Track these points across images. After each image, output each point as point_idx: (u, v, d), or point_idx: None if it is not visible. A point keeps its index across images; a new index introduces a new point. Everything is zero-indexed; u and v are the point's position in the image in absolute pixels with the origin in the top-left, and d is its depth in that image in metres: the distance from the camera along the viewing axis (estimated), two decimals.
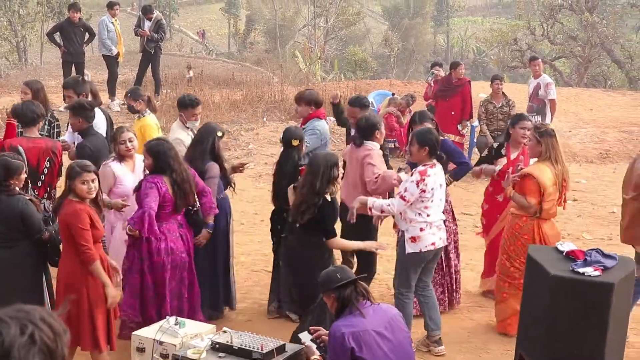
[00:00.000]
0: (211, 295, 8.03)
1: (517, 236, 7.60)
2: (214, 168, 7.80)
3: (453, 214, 8.59)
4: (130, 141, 7.70)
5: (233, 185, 8.27)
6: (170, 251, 7.13)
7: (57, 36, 16.91)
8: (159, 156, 7.09)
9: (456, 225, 8.63)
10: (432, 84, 15.40)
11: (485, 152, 9.11)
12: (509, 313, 7.85)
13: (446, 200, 8.43)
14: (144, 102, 9.40)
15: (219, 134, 7.89)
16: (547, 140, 7.44)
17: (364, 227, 7.60)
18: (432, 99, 15.03)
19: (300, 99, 8.83)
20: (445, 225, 8.27)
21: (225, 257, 8.19)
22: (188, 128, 8.65)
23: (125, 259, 7.17)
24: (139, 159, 7.70)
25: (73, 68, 16.52)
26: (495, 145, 8.88)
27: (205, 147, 7.79)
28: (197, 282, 7.45)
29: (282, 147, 8.11)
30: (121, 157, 7.69)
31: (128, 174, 7.64)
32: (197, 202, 7.42)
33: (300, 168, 7.86)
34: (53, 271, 6.89)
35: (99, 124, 8.74)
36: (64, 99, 9.30)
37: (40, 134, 8.27)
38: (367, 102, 9.01)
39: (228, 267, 8.24)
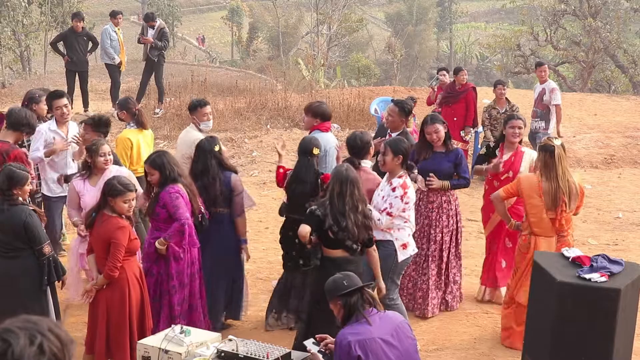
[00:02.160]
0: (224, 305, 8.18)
1: (521, 253, 7.64)
2: (239, 184, 7.96)
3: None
4: (108, 154, 7.78)
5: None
6: (193, 261, 7.30)
7: (60, 45, 16.96)
8: (164, 167, 7.13)
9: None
10: (436, 89, 15.38)
11: (483, 149, 9.22)
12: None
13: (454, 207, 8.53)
14: (128, 113, 9.34)
15: (216, 148, 7.89)
16: (540, 155, 7.42)
17: None
18: (435, 103, 15.01)
19: (307, 110, 8.84)
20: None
21: (237, 270, 8.26)
22: (202, 131, 8.74)
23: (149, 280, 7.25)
24: (107, 173, 7.71)
25: (77, 77, 16.58)
26: (492, 144, 9.00)
27: (214, 168, 7.81)
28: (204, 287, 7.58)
29: (300, 156, 7.98)
30: (93, 171, 7.72)
31: (91, 190, 7.67)
32: (202, 207, 7.47)
33: (321, 176, 7.92)
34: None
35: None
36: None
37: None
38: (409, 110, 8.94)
39: (242, 280, 8.35)
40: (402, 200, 7.27)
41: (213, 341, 6.10)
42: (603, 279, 5.91)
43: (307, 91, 22.29)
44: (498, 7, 59.35)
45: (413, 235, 7.75)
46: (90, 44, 16.71)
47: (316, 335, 5.76)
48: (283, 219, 8.18)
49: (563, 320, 5.92)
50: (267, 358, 5.59)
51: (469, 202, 12.69)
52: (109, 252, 6.44)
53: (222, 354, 5.75)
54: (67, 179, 8.69)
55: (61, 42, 16.94)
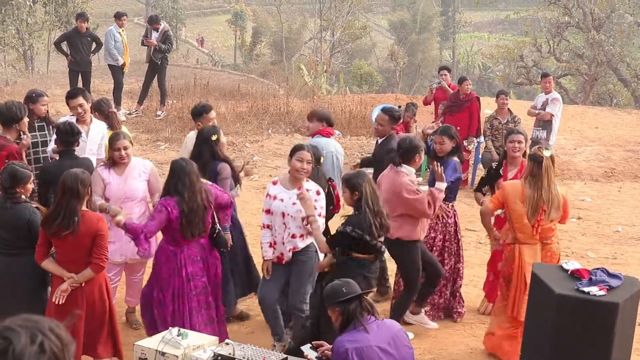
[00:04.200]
0: (238, 285, 8.29)
1: (507, 262, 7.69)
2: (225, 169, 7.86)
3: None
4: (125, 149, 7.66)
5: (240, 185, 8.22)
6: (191, 277, 7.06)
7: (64, 45, 16.96)
8: (172, 175, 6.99)
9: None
10: (434, 91, 15.48)
11: (485, 173, 9.22)
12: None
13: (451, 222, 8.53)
14: (101, 115, 9.19)
15: (213, 138, 7.88)
16: (529, 163, 7.47)
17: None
18: (440, 109, 15.12)
19: (312, 115, 8.88)
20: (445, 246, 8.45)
21: (243, 250, 8.32)
22: None
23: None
24: (133, 164, 7.74)
25: (80, 77, 16.58)
26: (495, 165, 8.95)
27: (206, 156, 7.81)
28: (221, 302, 7.43)
29: None
30: (113, 163, 7.69)
31: (116, 178, 7.65)
32: (218, 226, 7.25)
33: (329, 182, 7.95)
34: None
35: (95, 135, 8.73)
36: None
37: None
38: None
39: (249, 258, 8.44)
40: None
41: (210, 344, 6.09)
42: (602, 292, 5.91)
43: (309, 97, 22.34)
44: (502, 18, 59.44)
45: None
46: (94, 45, 16.72)
47: (313, 342, 5.77)
48: None
49: (561, 333, 5.91)
50: None
51: (468, 212, 12.69)
52: (92, 246, 6.35)
53: (219, 358, 5.74)
54: None
55: (65, 42, 16.96)
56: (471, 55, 60.76)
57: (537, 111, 14.30)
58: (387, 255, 7.67)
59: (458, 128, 14.07)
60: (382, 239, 6.89)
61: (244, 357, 5.66)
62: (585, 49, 31.73)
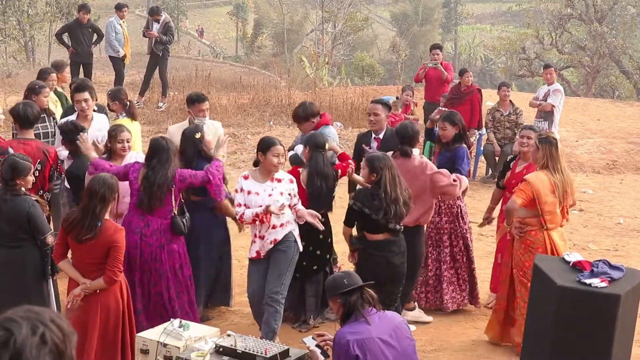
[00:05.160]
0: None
1: (531, 250, 7.41)
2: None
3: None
4: (127, 141, 7.72)
5: (226, 181, 8.17)
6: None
7: (65, 37, 16.95)
8: (149, 150, 7.26)
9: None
10: (426, 69, 15.51)
11: (502, 166, 9.25)
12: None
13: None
14: (120, 103, 9.28)
15: (197, 136, 7.88)
16: (545, 147, 7.40)
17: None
18: (422, 81, 15.72)
19: (295, 121, 8.91)
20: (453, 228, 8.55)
21: (224, 258, 8.28)
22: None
23: None
24: (128, 158, 7.74)
25: (81, 69, 16.56)
26: (509, 158, 8.94)
27: (190, 154, 7.81)
28: (171, 287, 7.36)
29: (313, 151, 7.85)
30: (113, 155, 7.70)
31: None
32: (175, 210, 7.30)
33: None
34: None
35: (103, 128, 8.70)
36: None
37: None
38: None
39: (229, 267, 8.42)
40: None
41: (211, 336, 6.10)
42: (603, 284, 5.90)
43: (311, 89, 22.31)
44: (504, 10, 59.43)
45: None
46: (95, 36, 16.71)
47: (315, 333, 5.78)
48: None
49: (562, 325, 5.91)
50: (265, 354, 5.60)
51: (470, 203, 12.64)
52: (106, 257, 6.17)
53: (220, 349, 5.75)
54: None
55: (66, 33, 16.94)
56: (473, 47, 60.59)
57: (538, 102, 14.30)
58: None
59: None
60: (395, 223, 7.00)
61: (245, 349, 5.67)
62: (587, 41, 31.68)
